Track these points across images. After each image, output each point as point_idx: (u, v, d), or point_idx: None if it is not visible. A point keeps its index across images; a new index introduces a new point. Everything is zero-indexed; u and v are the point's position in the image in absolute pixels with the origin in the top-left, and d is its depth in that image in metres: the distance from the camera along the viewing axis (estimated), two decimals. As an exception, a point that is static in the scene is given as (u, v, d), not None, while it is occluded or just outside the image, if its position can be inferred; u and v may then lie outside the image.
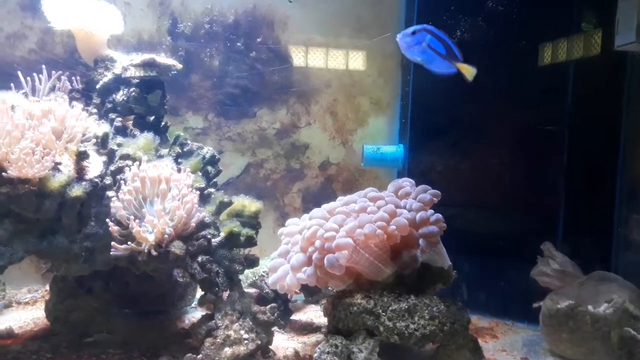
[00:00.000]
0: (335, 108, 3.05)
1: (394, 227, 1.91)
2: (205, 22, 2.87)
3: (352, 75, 3.05)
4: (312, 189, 3.06)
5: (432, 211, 2.06)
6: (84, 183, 1.88)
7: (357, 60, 3.04)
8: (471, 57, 2.89)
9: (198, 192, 1.97)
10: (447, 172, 2.82)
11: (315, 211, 2.09)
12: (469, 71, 1.99)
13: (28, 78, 2.20)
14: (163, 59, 2.19)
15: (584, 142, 2.52)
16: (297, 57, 2.98)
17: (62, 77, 2.26)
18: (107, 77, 2.18)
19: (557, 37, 2.62)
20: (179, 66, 2.24)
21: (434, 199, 2.10)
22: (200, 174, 2.21)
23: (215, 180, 2.36)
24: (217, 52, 2.90)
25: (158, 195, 1.93)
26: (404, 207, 2.09)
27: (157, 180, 1.94)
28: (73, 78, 2.37)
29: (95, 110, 2.14)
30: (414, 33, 1.90)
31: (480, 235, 2.67)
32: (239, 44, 2.91)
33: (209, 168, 2.28)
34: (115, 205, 1.87)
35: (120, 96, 2.16)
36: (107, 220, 1.83)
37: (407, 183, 2.21)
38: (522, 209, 2.64)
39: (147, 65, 2.14)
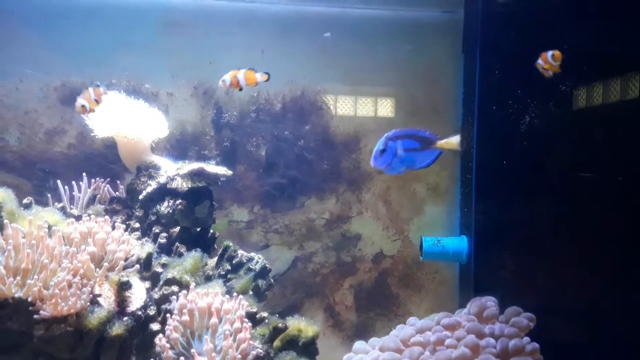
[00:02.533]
0: (388, 196, 2.82)
1: (480, 368, 1.63)
2: (251, 110, 2.73)
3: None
4: (366, 285, 2.80)
5: (528, 339, 1.78)
6: (125, 318, 1.68)
7: (411, 144, 2.82)
8: (546, 140, 2.69)
9: (249, 324, 1.74)
10: (522, 273, 2.51)
11: (387, 340, 1.83)
12: (452, 144, 1.90)
13: (66, 187, 2.07)
14: (212, 167, 2.02)
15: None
16: (347, 143, 2.79)
17: (102, 184, 2.12)
18: (151, 186, 2.03)
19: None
20: (229, 173, 2.08)
21: (530, 324, 1.82)
22: (251, 292, 1.99)
23: (266, 293, 2.14)
24: (263, 141, 2.74)
25: (208, 329, 1.71)
26: (489, 334, 1.81)
27: (206, 312, 1.73)
28: (116, 183, 2.23)
29: (137, 225, 1.97)
30: (384, 151, 1.81)
31: (564, 350, 2.33)
32: (286, 132, 2.74)
33: (260, 282, 2.07)
34: (162, 345, 1.66)
35: (165, 208, 1.99)
36: (151, 362, 1.62)
37: (491, 303, 1.93)
38: (614, 319, 2.30)
39: (196, 175, 1.98)
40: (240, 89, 1.94)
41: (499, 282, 2.56)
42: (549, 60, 1.91)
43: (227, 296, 1.79)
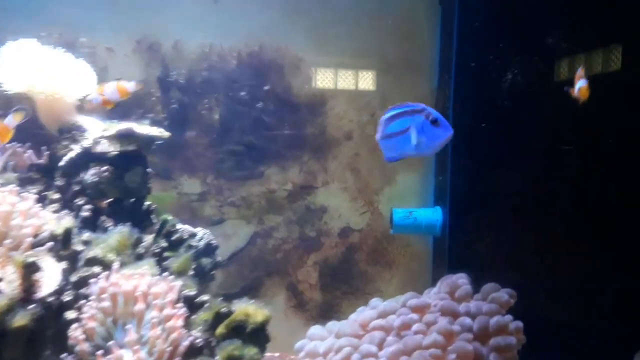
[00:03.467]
0: (357, 164, 2.56)
1: (454, 356, 1.41)
2: (202, 68, 2.42)
3: (378, 125, 2.56)
4: (331, 261, 2.56)
5: (510, 316, 1.57)
6: (32, 306, 1.41)
7: (382, 106, 2.55)
8: (528, 102, 2.44)
9: (183, 310, 1.49)
10: (500, 246, 2.29)
11: (344, 325, 1.60)
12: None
13: (-23, 153, 1.76)
14: (145, 128, 1.74)
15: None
16: (311, 106, 2.51)
17: (20, 150, 1.82)
18: (74, 151, 1.73)
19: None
20: (165, 135, 1.79)
21: (511, 300, 1.62)
22: (192, 272, 1.73)
23: (212, 273, 1.88)
24: (217, 103, 2.44)
25: (134, 316, 1.45)
26: (465, 313, 1.59)
27: (132, 296, 1.47)
28: (40, 149, 1.93)
29: (57, 196, 1.68)
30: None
31: (545, 330, 2.14)
32: (242, 93, 2.45)
33: (204, 261, 1.81)
34: (75, 336, 1.40)
35: (90, 176, 1.69)
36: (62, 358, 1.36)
37: (464, 281, 1.71)
38: (610, 291, 2.11)
39: (124, 137, 1.69)
40: (113, 107, 1.65)
41: (475, 257, 2.34)
42: (575, 92, 1.78)
43: (158, 278, 1.53)
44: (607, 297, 2.17)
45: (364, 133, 2.55)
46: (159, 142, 1.79)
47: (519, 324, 1.50)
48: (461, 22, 2.34)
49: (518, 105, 2.27)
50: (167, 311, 1.46)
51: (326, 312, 2.55)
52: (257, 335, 1.68)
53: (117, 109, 2.34)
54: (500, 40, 2.27)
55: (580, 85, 1.77)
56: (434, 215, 2.46)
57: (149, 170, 1.83)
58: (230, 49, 2.43)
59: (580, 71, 1.78)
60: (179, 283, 1.53)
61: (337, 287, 2.57)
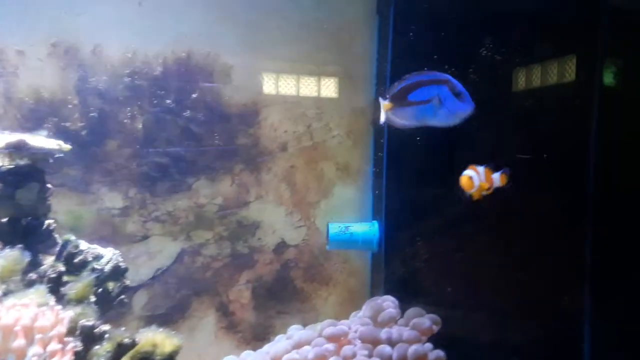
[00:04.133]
0: (292, 176, 2.46)
1: (366, 390, 1.31)
2: (124, 74, 2.26)
3: (314, 136, 2.47)
4: (265, 279, 2.44)
5: (430, 345, 1.49)
6: None
7: (319, 118, 2.47)
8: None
9: (74, 344, 1.33)
10: (437, 262, 2.23)
11: (255, 356, 1.47)
12: None
13: None
14: (40, 140, 1.57)
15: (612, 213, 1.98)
16: (243, 116, 2.39)
17: None
18: (-42, 165, 1.55)
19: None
20: (66, 148, 1.63)
21: (434, 326, 1.53)
22: (93, 299, 1.57)
23: (122, 298, 1.73)
24: (140, 111, 2.29)
25: (13, 353, 1.29)
26: (386, 340, 1.51)
27: (11, 330, 1.30)
28: None
29: None
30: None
31: (485, 349, 2.08)
32: (168, 101, 2.30)
33: (111, 285, 1.65)
34: (-62, 379, 1.23)
35: (-25, 193, 1.52)
36: None
37: (389, 304, 1.63)
38: (541, 313, 2.06)
39: (15, 149, 1.52)
40: None
41: (411, 274, 2.28)
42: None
43: (45, 308, 1.37)
44: (544, 313, 2.14)
45: (300, 144, 2.45)
46: (59, 155, 1.62)
47: (440, 354, 1.42)
48: (396, 32, 2.29)
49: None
50: (53, 346, 1.30)
51: (260, 334, 2.41)
52: (166, 367, 1.54)
53: (30, 118, 2.17)
54: (435, 51, 2.22)
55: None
56: (371, 230, 2.38)
57: (48, 186, 1.65)
58: (156, 54, 2.28)
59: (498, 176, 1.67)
60: (69, 314, 1.37)
61: (272, 307, 2.45)
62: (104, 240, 2.20)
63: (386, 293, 2.26)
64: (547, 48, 2.16)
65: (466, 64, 2.20)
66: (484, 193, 1.62)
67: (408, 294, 2.26)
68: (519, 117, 2.17)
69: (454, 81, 1.42)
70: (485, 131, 2.23)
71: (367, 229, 2.38)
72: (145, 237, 2.31)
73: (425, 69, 2.22)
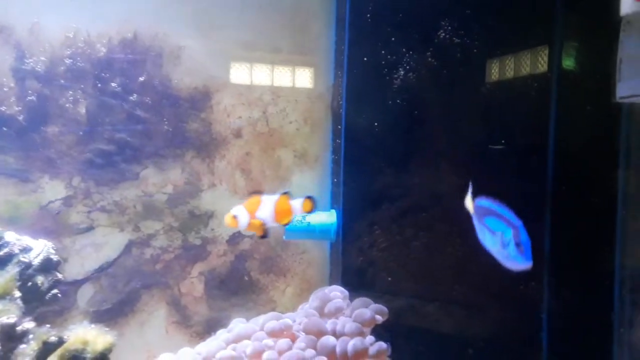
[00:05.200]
0: (248, 164, 2.36)
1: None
2: (65, 55, 2.13)
3: (270, 122, 2.38)
4: (220, 272, 2.34)
5: (371, 338, 1.42)
6: None
7: (275, 102, 2.37)
8: (421, 96, 2.33)
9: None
10: (395, 251, 2.17)
11: (185, 357, 1.38)
12: None
13: None
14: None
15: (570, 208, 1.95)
16: (194, 100, 2.28)
17: None
18: None
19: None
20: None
21: (378, 317, 1.47)
22: (18, 293, 1.46)
23: (54, 292, 1.61)
24: (83, 95, 2.16)
25: None
26: (332, 332, 1.43)
27: None
28: None
29: None
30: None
31: (442, 339, 2.03)
32: (113, 84, 2.18)
33: (40, 280, 1.54)
34: None
35: None
36: None
37: (337, 294, 1.55)
38: (498, 302, 2.01)
39: None
40: None
41: (369, 263, 2.21)
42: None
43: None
44: (502, 303, 2.10)
45: (256, 131, 2.36)
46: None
47: (382, 346, 1.35)
48: (353, 14, 2.21)
49: (411, 104, 2.16)
50: (-39, 344, 1.19)
51: (213, 328, 2.29)
52: (98, 366, 1.44)
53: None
54: (393, 34, 2.15)
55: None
56: (329, 219, 2.30)
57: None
58: (99, 35, 2.15)
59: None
60: (-19, 309, 1.26)
61: (226, 299, 2.35)
62: (45, 232, 2.09)
63: (343, 283, 2.20)
64: (506, 33, 2.11)
65: (424, 47, 2.13)
66: (276, 225, 1.46)
67: (365, 283, 2.21)
68: (478, 103, 2.11)
69: (522, 230, 1.38)
70: (443, 118, 2.18)
71: (325, 218, 2.30)
72: (90, 228, 2.19)
73: (383, 52, 2.17)
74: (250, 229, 1.44)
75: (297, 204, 1.45)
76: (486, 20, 2.08)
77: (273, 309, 2.36)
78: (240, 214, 1.42)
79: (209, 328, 2.31)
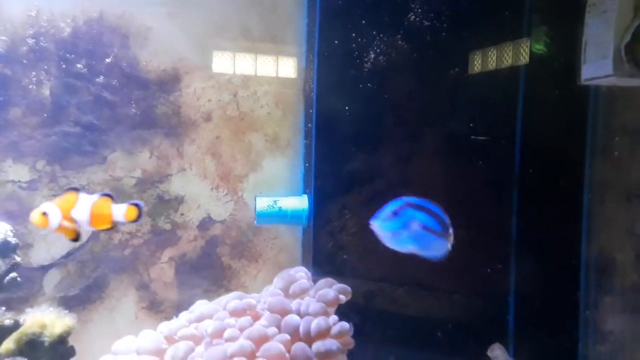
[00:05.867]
0: (218, 148, 2.33)
1: (263, 361, 1.23)
2: (28, 35, 2.06)
3: (241, 105, 2.34)
4: (190, 257, 2.32)
5: (335, 317, 1.42)
6: None
7: (245, 86, 2.34)
8: (392, 80, 2.32)
9: None
10: (364, 235, 2.16)
11: (146, 337, 1.37)
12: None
13: None
14: None
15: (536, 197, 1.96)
16: (163, 82, 2.24)
17: None
18: None
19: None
20: None
21: (341, 297, 1.46)
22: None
23: (12, 276, 1.58)
24: (47, 76, 2.10)
25: None
26: (297, 311, 1.43)
27: None
28: None
29: None
30: (396, 213, 1.30)
31: (411, 322, 2.04)
32: (79, 65, 2.12)
33: (-4, 262, 1.50)
34: None
35: None
36: None
37: (302, 274, 1.55)
38: (465, 285, 2.03)
39: None
40: None
41: (339, 247, 2.21)
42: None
43: None
44: (470, 286, 2.11)
45: (226, 114, 2.33)
46: None
47: (344, 326, 1.36)
48: (323, -5, 2.18)
49: (382, 88, 2.15)
50: None
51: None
52: (56, 351, 1.42)
53: None
54: (364, 16, 2.13)
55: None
56: (300, 204, 2.29)
57: None
58: (63, 14, 2.09)
59: None
60: None
61: (197, 285, 2.33)
62: (9, 217, 2.05)
63: (314, 267, 2.19)
64: (477, 17, 2.10)
65: (395, 30, 2.12)
66: (97, 230, 1.28)
67: (336, 268, 2.21)
68: (447, 88, 2.11)
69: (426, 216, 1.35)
70: (414, 102, 2.17)
71: (297, 202, 2.29)
72: (54, 213, 2.14)
73: (354, 34, 2.15)
74: (61, 230, 1.26)
75: (119, 209, 1.26)
76: (456, 3, 2.07)
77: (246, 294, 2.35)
78: (52, 212, 1.22)
79: (179, 314, 2.30)
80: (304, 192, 2.37)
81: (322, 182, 2.23)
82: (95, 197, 1.25)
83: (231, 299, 1.42)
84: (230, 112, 2.33)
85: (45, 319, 1.41)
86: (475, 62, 2.05)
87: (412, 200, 1.32)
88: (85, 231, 1.30)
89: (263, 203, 2.26)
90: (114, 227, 1.30)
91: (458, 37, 2.08)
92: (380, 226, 1.32)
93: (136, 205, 1.28)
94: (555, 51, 1.96)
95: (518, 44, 1.97)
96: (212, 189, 2.33)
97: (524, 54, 1.97)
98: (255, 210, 2.26)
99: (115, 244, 2.22)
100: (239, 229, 2.37)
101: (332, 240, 2.19)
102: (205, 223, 2.33)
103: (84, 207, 1.22)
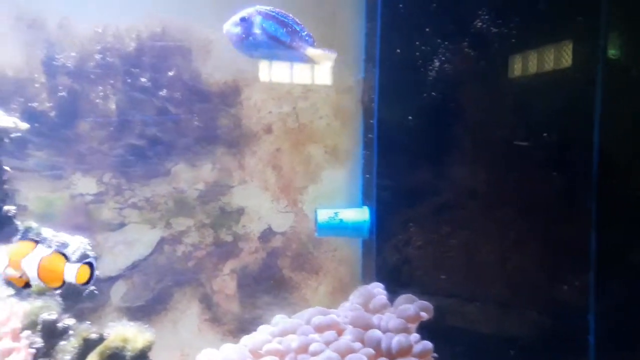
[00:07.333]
0: (278, 160, 2.32)
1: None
2: (95, 50, 2.10)
3: (300, 117, 2.33)
4: (251, 269, 2.31)
5: (417, 336, 1.37)
6: None
7: (305, 97, 2.33)
8: (458, 88, 2.25)
9: (29, 341, 1.20)
10: (431, 249, 2.11)
11: (231, 351, 1.35)
12: (325, 58, 1.46)
13: None
14: (-6, 116, 1.42)
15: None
16: (224, 95, 2.24)
17: None
18: None
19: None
20: (23, 126, 1.48)
21: (422, 314, 1.42)
22: (58, 291, 1.44)
23: (91, 289, 1.60)
24: (113, 91, 2.13)
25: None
26: (378, 327, 1.39)
27: (-41, 327, 1.17)
28: None
29: None
30: (244, 20, 1.36)
31: (482, 340, 1.97)
32: (143, 79, 2.15)
33: (77, 276, 1.51)
34: None
35: None
36: None
37: (380, 290, 1.51)
38: (540, 302, 1.94)
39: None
40: None
41: (404, 262, 2.16)
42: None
43: (-2, 302, 1.24)
44: (545, 303, 2.02)
45: (285, 126, 2.32)
46: (16, 134, 1.48)
47: (427, 345, 1.30)
48: (384, 3, 2.14)
49: (447, 97, 2.10)
50: (6, 343, 1.17)
51: (246, 326, 2.28)
52: (139, 365, 1.42)
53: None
54: (428, 24, 2.09)
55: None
56: (361, 215, 2.25)
57: (5, 168, 1.51)
58: (128, 29, 2.13)
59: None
60: (23, 306, 1.24)
61: (258, 297, 2.32)
62: (77, 229, 2.07)
63: (378, 282, 2.15)
64: (548, 21, 2.03)
65: (460, 37, 2.07)
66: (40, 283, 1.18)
67: (401, 282, 2.16)
68: (517, 95, 2.04)
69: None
70: (480, 111, 2.11)
71: (358, 214, 2.25)
72: (122, 225, 2.17)
73: (417, 43, 2.11)
74: (10, 278, 1.18)
75: (71, 269, 1.18)
76: (525, 9, 2.00)
77: (306, 307, 2.32)
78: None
79: (241, 326, 2.29)
80: (364, 204, 2.33)
81: (384, 193, 2.19)
82: (48, 252, 1.19)
83: (314, 314, 1.40)
84: (290, 124, 2.32)
85: (127, 333, 1.41)
86: (547, 68, 1.98)
87: (264, 8, 1.37)
88: (35, 283, 1.19)
89: (324, 215, 2.23)
90: (63, 285, 1.20)
91: (527, 42, 2.01)
92: (228, 30, 1.38)
93: (90, 264, 1.19)
94: (633, 55, 1.88)
95: (593, 49, 1.89)
96: (272, 200, 2.32)
97: (599, 59, 1.88)
98: (316, 222, 2.23)
99: (179, 255, 2.23)
100: (299, 241, 2.35)
101: (397, 254, 2.14)
102: (266, 235, 2.32)
103: (34, 259, 1.16)
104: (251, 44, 1.38)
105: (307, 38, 1.43)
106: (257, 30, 1.36)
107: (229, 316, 2.29)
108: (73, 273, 1.17)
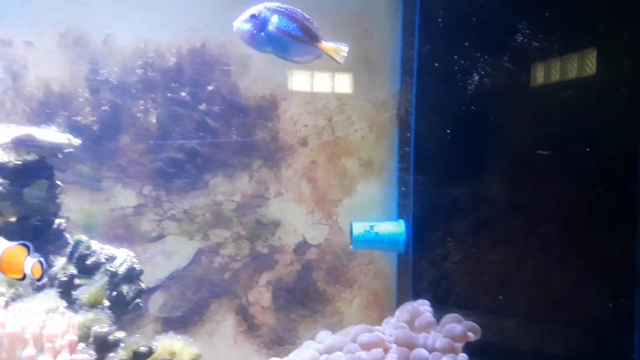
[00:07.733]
0: (313, 173, 2.33)
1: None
2: (137, 66, 2.15)
3: (335, 130, 2.34)
4: (287, 281, 2.32)
5: (464, 356, 1.36)
6: None
7: (340, 110, 2.34)
8: (497, 102, 2.23)
9: (84, 353, 1.22)
10: (470, 264, 2.09)
11: (281, 368, 1.36)
12: (337, 51, 1.49)
13: None
14: (49, 133, 1.46)
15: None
16: (262, 108, 2.27)
17: None
18: (-38, 161, 1.44)
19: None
20: (76, 142, 1.52)
21: (470, 334, 1.40)
22: (107, 303, 1.47)
23: (137, 301, 1.62)
24: (154, 104, 2.18)
25: (21, 364, 1.18)
26: (423, 345, 1.38)
27: (20, 339, 1.20)
28: None
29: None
30: (255, 17, 1.38)
31: (521, 357, 1.94)
32: (183, 93, 2.19)
33: (125, 289, 1.54)
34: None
35: (-20, 191, 1.41)
36: None
37: (426, 308, 1.50)
38: (584, 320, 1.91)
39: (22, 144, 1.41)
40: None
41: (441, 277, 2.14)
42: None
43: (55, 314, 1.26)
44: (588, 321, 1.98)
45: (321, 139, 2.33)
46: (69, 150, 1.52)
47: (472, 365, 1.29)
48: (423, 17, 2.15)
49: (486, 110, 2.09)
50: (64, 356, 1.19)
51: (281, 338, 2.30)
52: (185, 378, 1.43)
53: (40, 112, 2.08)
54: (467, 38, 2.08)
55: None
56: (397, 229, 2.24)
57: (57, 183, 1.55)
58: (169, 44, 2.17)
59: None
60: (78, 319, 1.26)
61: (293, 310, 2.33)
62: (117, 240, 2.11)
63: (414, 296, 2.13)
64: (589, 32, 2.00)
65: (500, 51, 2.06)
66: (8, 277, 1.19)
67: (438, 298, 2.13)
68: (559, 109, 2.01)
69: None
70: (520, 124, 2.09)
71: (394, 228, 2.24)
72: (160, 237, 2.20)
73: (456, 57, 2.11)
74: None
75: (29, 263, 1.18)
76: (566, 21, 1.98)
77: (341, 321, 2.33)
78: None
79: (276, 338, 2.29)
80: (399, 218, 2.33)
81: (421, 208, 2.18)
82: (11, 244, 1.20)
83: (360, 332, 1.39)
84: (326, 137, 2.33)
85: (174, 346, 1.43)
86: (589, 81, 1.95)
87: (273, 5, 1.38)
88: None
89: (360, 228, 2.22)
90: (24, 278, 1.21)
91: (568, 55, 1.99)
92: (238, 28, 1.39)
93: (40, 262, 1.19)
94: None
95: (638, 60, 1.86)
96: (307, 213, 2.33)
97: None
98: (351, 235, 2.23)
99: (215, 267, 2.25)
100: (333, 254, 2.35)
101: (434, 269, 2.12)
102: (301, 247, 2.33)
103: None
104: (263, 39, 1.41)
105: (317, 32, 1.44)
106: (268, 27, 1.38)
107: (264, 328, 2.30)
108: (30, 268, 1.18)
